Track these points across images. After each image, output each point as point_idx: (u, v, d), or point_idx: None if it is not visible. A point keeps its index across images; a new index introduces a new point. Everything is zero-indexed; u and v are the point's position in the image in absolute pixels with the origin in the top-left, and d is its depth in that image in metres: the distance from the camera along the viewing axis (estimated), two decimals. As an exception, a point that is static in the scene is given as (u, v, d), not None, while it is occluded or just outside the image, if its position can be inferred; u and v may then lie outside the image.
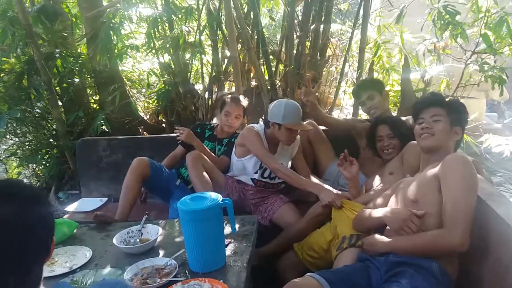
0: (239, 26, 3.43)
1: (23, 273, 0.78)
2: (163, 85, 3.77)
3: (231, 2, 3.22)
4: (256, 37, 3.70)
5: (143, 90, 4.18)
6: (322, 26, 3.68)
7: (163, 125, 4.03)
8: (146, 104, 4.31)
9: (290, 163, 2.53)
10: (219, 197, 1.60)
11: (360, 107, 2.91)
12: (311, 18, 3.69)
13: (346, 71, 4.01)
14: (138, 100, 4.15)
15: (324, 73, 4.15)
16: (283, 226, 2.36)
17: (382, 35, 3.80)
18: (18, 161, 3.79)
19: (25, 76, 3.54)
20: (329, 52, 4.07)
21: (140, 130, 3.86)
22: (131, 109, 3.66)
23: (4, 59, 3.80)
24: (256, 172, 2.46)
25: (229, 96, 2.77)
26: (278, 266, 2.14)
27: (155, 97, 3.93)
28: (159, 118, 4.12)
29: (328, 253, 1.94)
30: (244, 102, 2.67)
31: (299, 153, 2.55)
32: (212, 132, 2.74)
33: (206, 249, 1.57)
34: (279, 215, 2.41)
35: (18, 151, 3.74)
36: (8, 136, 3.83)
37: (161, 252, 1.76)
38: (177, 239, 1.88)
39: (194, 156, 2.40)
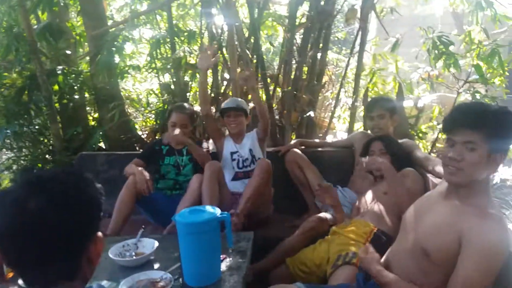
0: (239, 49, 3.53)
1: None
2: (162, 104, 3.82)
3: (233, 27, 3.32)
4: (255, 61, 3.80)
5: (142, 109, 4.23)
6: (319, 53, 3.78)
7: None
8: (144, 123, 4.35)
9: None
10: (217, 210, 1.62)
11: (367, 121, 2.72)
12: (309, 44, 3.80)
13: (340, 96, 4.09)
14: (136, 118, 4.19)
15: (320, 97, 4.23)
16: None
17: (377, 63, 3.92)
18: (12, 176, 3.76)
19: (26, 91, 3.57)
20: (325, 78, 4.16)
21: (137, 148, 3.87)
22: (129, 127, 3.70)
23: (6, 74, 3.84)
24: None
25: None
26: (270, 279, 2.10)
27: (154, 116, 3.97)
28: (156, 136, 4.14)
29: (320, 269, 1.94)
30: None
31: None
32: None
33: (202, 263, 1.57)
34: None
35: (13, 165, 3.72)
36: (3, 150, 3.81)
37: (156, 266, 1.76)
38: (174, 254, 1.87)
39: (214, 169, 2.40)
